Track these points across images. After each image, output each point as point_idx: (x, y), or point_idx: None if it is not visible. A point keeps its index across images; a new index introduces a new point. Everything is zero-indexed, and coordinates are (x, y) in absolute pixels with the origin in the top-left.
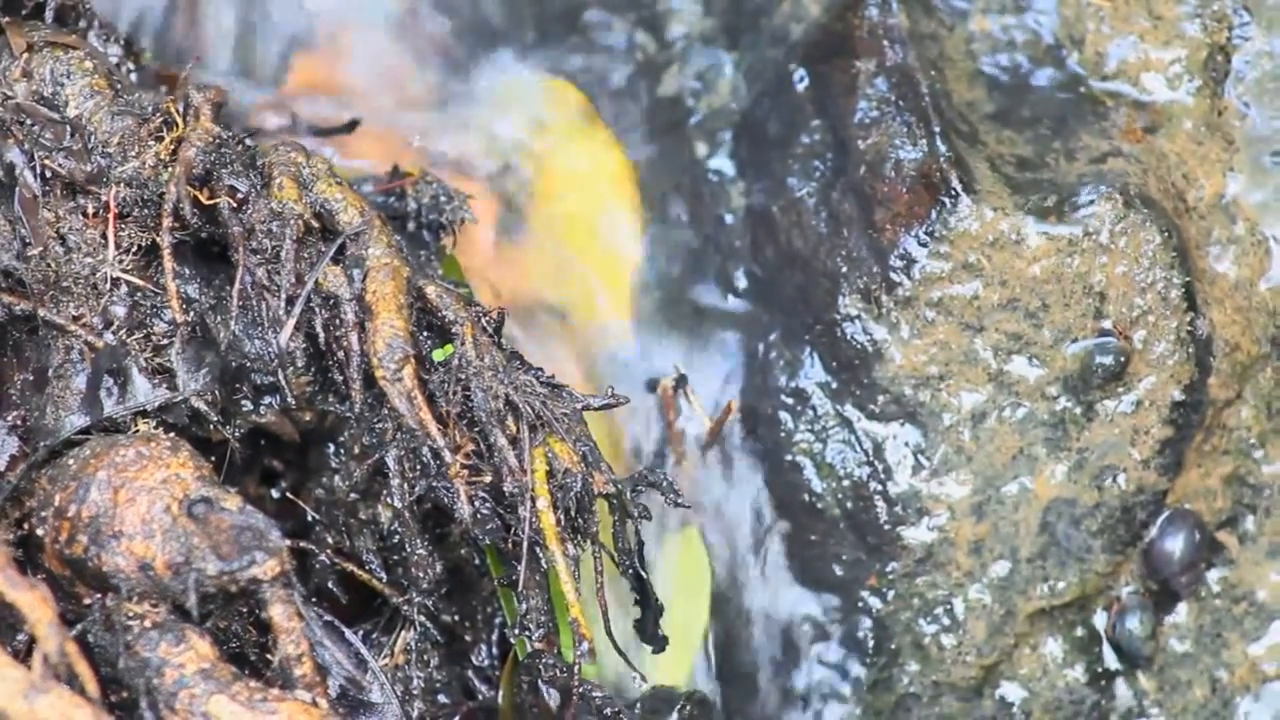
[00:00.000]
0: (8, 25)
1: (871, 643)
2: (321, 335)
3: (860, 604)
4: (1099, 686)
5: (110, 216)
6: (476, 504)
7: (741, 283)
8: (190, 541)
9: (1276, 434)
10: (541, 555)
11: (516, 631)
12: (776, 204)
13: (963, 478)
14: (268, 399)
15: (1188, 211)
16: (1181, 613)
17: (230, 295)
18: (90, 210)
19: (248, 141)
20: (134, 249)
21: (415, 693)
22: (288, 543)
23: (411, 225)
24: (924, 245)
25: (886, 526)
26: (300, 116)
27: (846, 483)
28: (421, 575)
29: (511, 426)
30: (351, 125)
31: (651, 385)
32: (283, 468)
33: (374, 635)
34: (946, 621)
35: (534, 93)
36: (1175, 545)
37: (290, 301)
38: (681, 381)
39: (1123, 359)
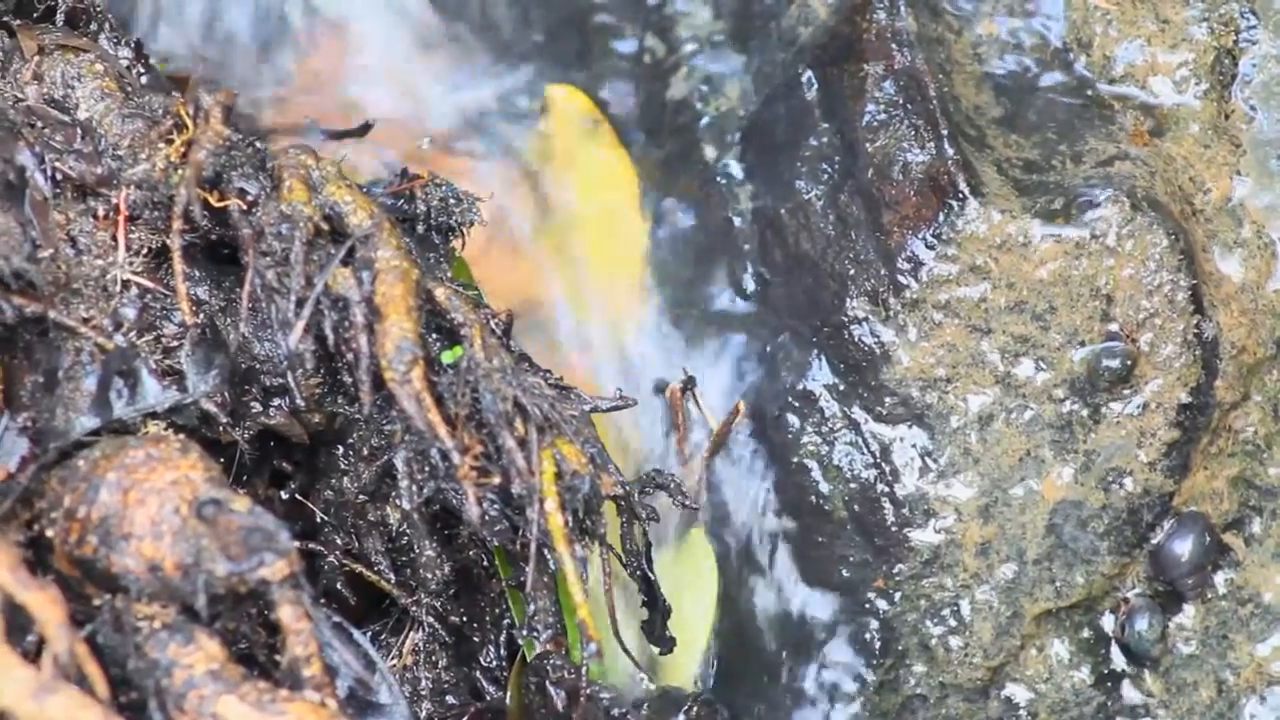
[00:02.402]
0: (19, 28)
1: (878, 644)
2: (331, 337)
3: (867, 605)
4: (1105, 688)
5: (121, 219)
6: (485, 505)
7: (749, 285)
8: (199, 543)
9: None
10: (549, 556)
11: (524, 632)
12: (784, 206)
13: (970, 480)
14: (277, 401)
15: (1194, 214)
16: (1188, 615)
17: (240, 297)
18: (101, 212)
19: (258, 144)
20: (144, 251)
21: (423, 693)
22: (296, 544)
23: (420, 228)
24: (931, 248)
25: (893, 528)
26: (312, 119)
27: (854, 485)
28: (430, 576)
29: (520, 428)
30: (365, 129)
31: (659, 387)
32: (292, 469)
33: (382, 636)
34: (953, 623)
35: (542, 97)
36: (1184, 548)
37: (300, 304)
38: (689, 383)
39: (1129, 361)
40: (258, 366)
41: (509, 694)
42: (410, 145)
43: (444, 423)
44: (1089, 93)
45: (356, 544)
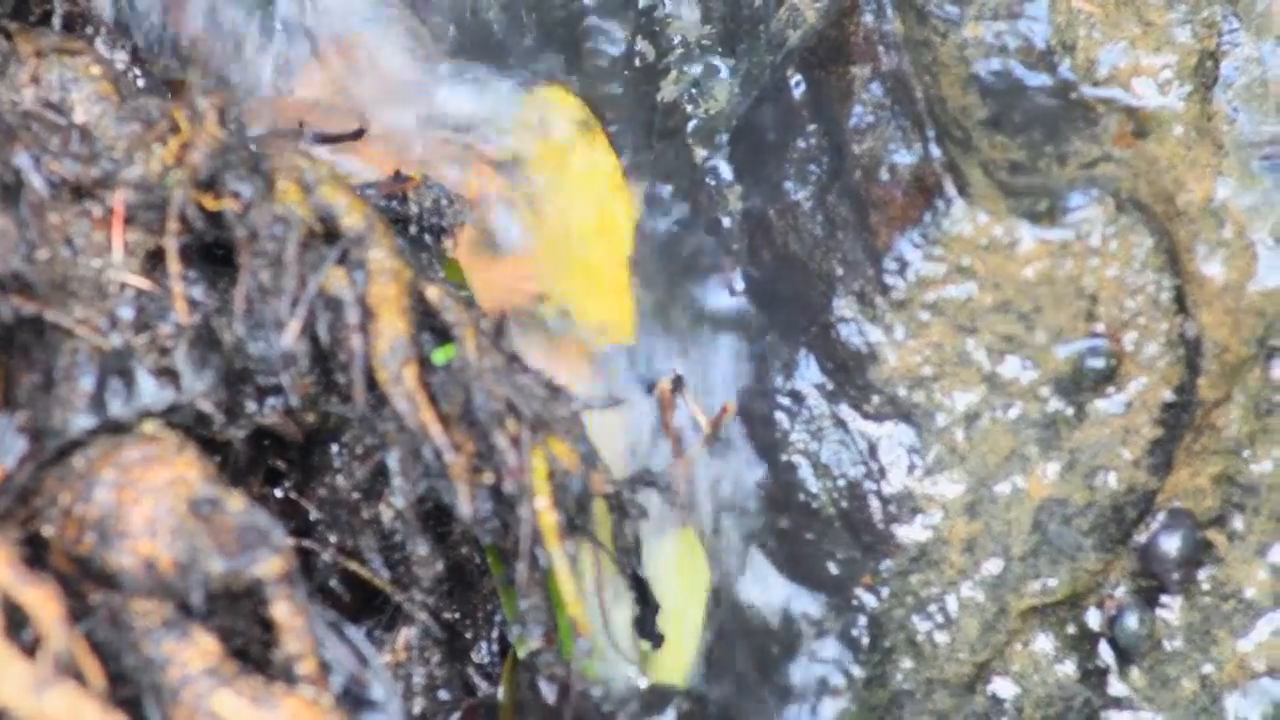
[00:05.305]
0: (16, 32)
1: (866, 640)
2: (325, 337)
3: (855, 602)
4: (1090, 683)
5: (117, 220)
6: (477, 503)
7: (738, 285)
8: (195, 541)
9: (1264, 434)
10: (541, 554)
11: (516, 629)
12: (773, 207)
13: (956, 477)
14: (272, 400)
15: (1178, 215)
16: (1172, 610)
17: (235, 298)
18: (97, 214)
19: (252, 146)
20: (140, 252)
21: (416, 690)
22: (291, 542)
23: (413, 229)
24: (918, 248)
25: (881, 525)
26: (306, 123)
27: (841, 482)
28: (423, 574)
29: (512, 427)
30: (358, 133)
31: (649, 386)
32: (286, 468)
33: (376, 633)
34: (940, 619)
35: (533, 99)
36: (1172, 544)
37: (294, 304)
38: (679, 383)
39: (1113, 361)
40: (252, 366)
41: (501, 689)
42: (402, 147)
43: (437, 422)
44: (1073, 95)
45: (350, 542)
